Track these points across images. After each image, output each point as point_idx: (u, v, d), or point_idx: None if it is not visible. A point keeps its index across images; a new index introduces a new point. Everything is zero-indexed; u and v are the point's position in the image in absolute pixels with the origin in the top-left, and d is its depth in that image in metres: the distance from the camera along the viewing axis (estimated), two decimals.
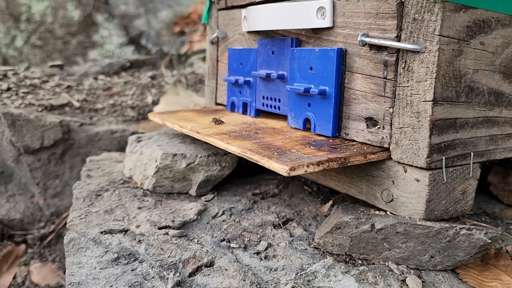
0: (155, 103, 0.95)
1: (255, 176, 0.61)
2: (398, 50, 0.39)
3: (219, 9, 0.66)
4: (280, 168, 0.36)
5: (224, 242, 0.45)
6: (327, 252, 0.42)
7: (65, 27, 2.36)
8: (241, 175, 0.61)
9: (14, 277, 0.77)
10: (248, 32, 0.59)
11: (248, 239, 0.45)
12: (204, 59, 1.25)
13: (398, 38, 0.38)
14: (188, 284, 0.39)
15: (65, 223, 0.83)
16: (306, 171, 0.37)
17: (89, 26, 2.41)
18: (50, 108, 0.87)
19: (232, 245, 0.45)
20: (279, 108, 0.54)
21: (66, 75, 1.07)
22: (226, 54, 0.65)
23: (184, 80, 1.10)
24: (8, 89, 0.90)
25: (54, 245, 0.83)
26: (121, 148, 0.84)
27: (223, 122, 0.54)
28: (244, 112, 0.60)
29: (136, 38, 2.43)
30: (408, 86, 0.38)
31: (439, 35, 0.35)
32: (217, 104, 0.70)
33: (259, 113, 0.59)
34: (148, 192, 0.56)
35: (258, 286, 0.38)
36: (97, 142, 0.85)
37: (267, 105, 0.56)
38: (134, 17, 2.56)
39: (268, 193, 0.56)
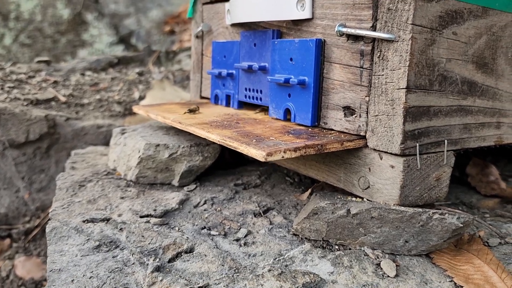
0: (141, 98, 0.96)
1: (238, 168, 0.62)
2: (373, 40, 0.40)
3: (203, 3, 0.67)
4: (257, 153, 0.37)
5: (205, 230, 0.46)
6: (305, 238, 0.43)
7: (55, 26, 2.33)
8: (224, 167, 0.62)
9: None
10: (232, 25, 0.60)
11: (229, 227, 0.46)
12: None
13: (373, 28, 0.39)
14: (167, 269, 0.39)
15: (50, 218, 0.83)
16: (283, 157, 0.37)
17: (78, 25, 2.38)
18: (36, 103, 0.86)
19: (212, 232, 0.45)
20: (261, 99, 0.54)
21: (53, 70, 1.07)
22: (210, 48, 0.65)
23: (172, 76, 1.10)
24: None
25: (39, 239, 0.83)
26: (107, 142, 0.84)
27: (198, 112, 0.55)
28: (228, 104, 0.61)
29: (126, 37, 2.41)
30: (383, 75, 0.39)
31: (412, 24, 0.36)
32: (202, 97, 0.70)
33: (242, 105, 0.59)
34: (131, 183, 0.56)
35: (236, 270, 0.39)
36: (83, 136, 0.85)
37: (249, 97, 0.56)
38: (124, 16, 2.53)
39: (250, 183, 0.56)
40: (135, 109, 0.63)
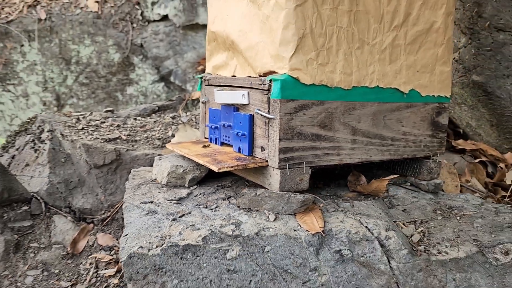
0: (173, 135, 1.48)
1: (221, 178, 1.12)
2: (269, 118, 0.89)
3: (205, 85, 1.19)
4: (215, 168, 0.87)
5: (197, 206, 0.96)
6: (241, 208, 0.92)
7: (107, 68, 2.80)
8: (213, 177, 1.12)
9: (87, 242, 1.30)
10: (217, 102, 1.11)
11: (209, 204, 0.96)
12: None
13: (268, 113, 0.89)
14: (178, 220, 0.89)
15: (117, 211, 1.36)
16: (226, 170, 0.87)
17: (126, 66, 2.82)
18: (108, 140, 1.41)
19: (201, 207, 0.95)
20: (230, 141, 1.05)
21: (116, 117, 1.63)
22: (208, 111, 1.16)
23: (194, 119, 1.63)
24: (82, 128, 1.46)
25: (110, 224, 1.35)
26: (151, 164, 1.36)
27: (209, 147, 1.05)
28: (216, 143, 1.11)
29: (166, 76, 2.85)
30: (271, 133, 0.88)
31: (280, 112, 0.86)
32: (205, 138, 1.21)
33: (222, 144, 1.10)
34: (163, 185, 1.07)
35: (207, 221, 0.88)
36: (137, 161, 1.38)
37: (225, 139, 1.07)
38: (164, 58, 2.92)
39: (225, 185, 1.06)
40: (167, 145, 1.15)
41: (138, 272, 0.78)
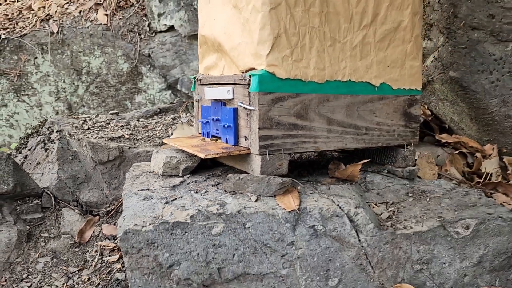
0: (172, 133, 1.59)
1: (213, 168, 1.22)
2: (249, 110, 0.99)
3: (198, 84, 1.29)
4: (202, 155, 0.97)
5: (189, 191, 1.05)
6: (227, 191, 1.01)
7: (116, 77, 2.90)
8: (206, 168, 1.22)
9: (93, 232, 1.40)
10: (207, 98, 1.21)
11: (199, 190, 1.06)
12: None
13: (249, 104, 0.99)
14: (170, 204, 0.99)
15: (121, 204, 1.46)
16: (212, 157, 0.97)
17: (135, 75, 2.90)
18: (112, 139, 1.52)
19: (192, 192, 1.05)
20: (219, 133, 1.15)
21: (120, 119, 1.74)
22: (201, 108, 1.27)
23: (193, 119, 1.73)
24: (88, 128, 1.58)
25: (114, 216, 1.46)
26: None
27: (204, 139, 1.16)
28: (207, 136, 1.22)
29: (172, 84, 2.94)
30: (252, 123, 0.98)
31: (258, 103, 0.96)
32: (199, 133, 1.32)
33: (212, 137, 1.20)
34: (159, 175, 1.17)
35: (196, 202, 0.98)
36: (139, 157, 1.49)
37: (215, 132, 1.17)
38: (171, 67, 3.01)
39: (216, 174, 1.16)
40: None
41: (133, 247, 0.88)
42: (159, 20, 2.92)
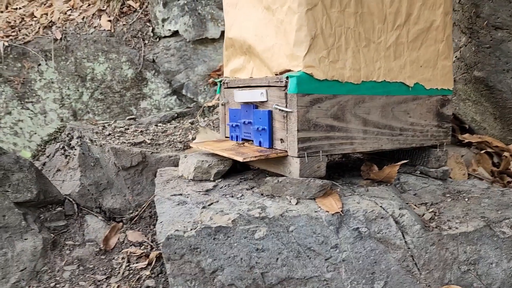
0: (193, 139, 1.57)
1: (244, 172, 1.20)
2: (287, 111, 0.98)
3: (224, 88, 1.28)
4: (239, 158, 0.96)
5: (224, 195, 1.04)
6: (265, 195, 1.00)
7: (121, 83, 2.87)
8: (236, 172, 1.20)
9: (118, 239, 1.38)
10: (237, 101, 1.20)
11: (234, 194, 1.04)
12: None
13: (286, 106, 0.98)
14: (207, 208, 0.98)
15: (144, 210, 1.45)
16: (250, 160, 0.96)
17: (140, 81, 2.88)
18: (134, 144, 1.51)
19: (227, 196, 1.03)
20: (250, 136, 1.13)
21: (138, 124, 1.73)
22: (228, 111, 1.26)
23: (212, 123, 1.72)
24: (109, 134, 1.56)
25: (138, 222, 1.44)
26: (175, 165, 1.45)
27: (239, 144, 1.14)
28: (237, 140, 1.20)
29: (177, 89, 2.92)
30: (290, 125, 0.97)
31: (297, 105, 0.95)
32: (226, 137, 1.30)
33: (243, 140, 1.18)
34: (190, 180, 1.16)
35: (235, 206, 0.96)
36: (161, 163, 1.48)
37: (246, 136, 1.16)
38: (176, 72, 2.99)
39: (248, 178, 1.14)
40: (192, 144, 1.24)
41: (175, 253, 0.86)
42: (163, 25, 2.91)
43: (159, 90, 2.86)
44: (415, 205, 0.98)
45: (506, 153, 1.33)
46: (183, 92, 2.89)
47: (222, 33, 2.92)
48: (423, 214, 0.95)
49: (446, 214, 0.95)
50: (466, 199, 1.03)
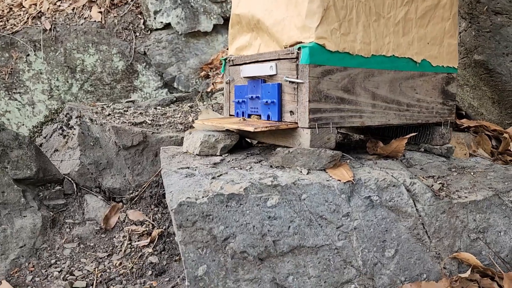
0: (193, 121, 1.56)
1: (250, 148, 1.20)
2: (297, 83, 0.98)
3: (229, 65, 1.28)
4: (250, 128, 0.95)
5: (232, 168, 1.03)
6: (275, 166, 1.00)
7: (111, 75, 2.84)
8: (242, 148, 1.20)
9: (118, 218, 1.36)
10: (243, 77, 1.19)
11: (243, 166, 1.04)
12: (223, 95, 1.86)
13: (297, 78, 0.98)
14: (216, 179, 0.97)
15: (144, 190, 1.43)
16: (261, 130, 0.96)
17: (130, 73, 2.85)
18: (135, 124, 1.49)
19: (236, 169, 1.03)
20: (257, 111, 1.13)
21: (137, 106, 1.71)
22: (233, 89, 1.25)
23: (211, 107, 1.71)
24: (109, 114, 1.54)
25: (138, 202, 1.42)
26: (177, 144, 1.44)
27: (246, 119, 1.14)
28: (243, 116, 1.20)
29: (169, 82, 2.90)
30: (300, 96, 0.97)
31: (309, 76, 0.95)
32: (230, 115, 1.30)
33: (249, 116, 1.18)
34: (196, 155, 1.15)
35: (245, 176, 0.96)
36: (162, 143, 1.46)
37: (253, 111, 1.15)
38: (168, 65, 2.97)
39: (255, 153, 1.14)
40: (197, 121, 1.23)
41: (187, 219, 0.85)
42: (155, 18, 2.88)
43: (150, 83, 2.83)
44: (423, 177, 0.99)
45: (505, 134, 1.35)
46: (175, 85, 2.86)
47: (215, 26, 2.90)
48: (432, 185, 0.95)
49: (454, 185, 0.97)
50: (472, 173, 1.04)
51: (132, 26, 3.03)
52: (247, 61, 1.17)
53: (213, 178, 0.96)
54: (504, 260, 0.88)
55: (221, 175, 0.98)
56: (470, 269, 0.85)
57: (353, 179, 0.90)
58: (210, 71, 2.92)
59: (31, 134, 1.67)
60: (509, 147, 1.32)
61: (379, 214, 0.89)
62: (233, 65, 1.25)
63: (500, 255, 0.89)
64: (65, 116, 1.53)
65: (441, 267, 0.87)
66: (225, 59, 1.29)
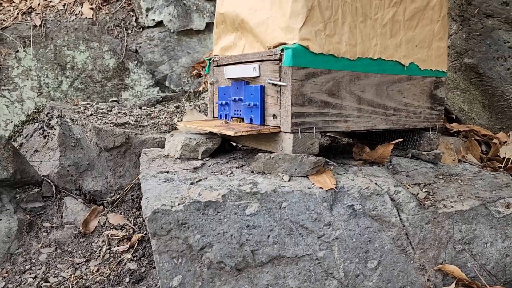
0: (179, 121, 1.52)
1: (232, 151, 1.16)
2: (280, 86, 0.94)
3: (214, 66, 1.24)
4: (231, 133, 0.92)
5: (212, 173, 1.00)
6: (256, 172, 0.96)
7: (102, 73, 2.80)
8: (225, 151, 1.16)
9: (98, 222, 1.32)
10: (227, 78, 1.16)
11: (223, 171, 1.00)
12: None
13: (280, 80, 0.94)
14: (195, 185, 0.94)
15: (126, 193, 1.39)
16: (241, 134, 0.92)
17: (122, 71, 2.81)
18: (117, 125, 1.45)
19: (216, 174, 0.99)
20: (240, 114, 1.10)
21: (122, 106, 1.67)
22: (217, 90, 1.21)
23: (198, 108, 1.67)
24: (91, 114, 1.49)
25: (120, 205, 1.38)
26: (160, 147, 1.40)
27: (228, 123, 1.10)
28: (226, 118, 1.16)
29: (160, 80, 2.86)
30: (283, 99, 0.94)
31: (291, 79, 0.91)
32: (214, 117, 1.26)
33: (231, 118, 1.14)
34: (177, 159, 1.11)
35: (224, 183, 0.92)
36: (145, 144, 1.42)
37: (236, 114, 1.12)
38: (159, 63, 2.93)
39: (237, 157, 1.10)
40: (179, 123, 1.20)
41: (162, 228, 0.82)
42: (147, 15, 2.84)
43: (141, 81, 2.79)
44: (409, 185, 0.96)
45: (495, 140, 1.33)
46: (166, 83, 2.82)
47: (207, 24, 2.87)
48: (417, 194, 0.92)
49: (440, 194, 0.94)
50: (459, 181, 1.02)
51: (123, 23, 2.99)
52: (231, 62, 1.13)
53: (192, 183, 0.93)
54: (490, 273, 0.85)
55: (200, 180, 0.95)
56: (455, 282, 0.83)
57: (335, 187, 0.87)
58: (202, 70, 2.89)
59: (11, 134, 1.62)
60: (498, 153, 1.30)
61: (362, 224, 0.86)
62: (218, 65, 1.21)
63: (486, 268, 0.86)
64: (46, 115, 1.49)
65: (425, 279, 0.84)
66: (209, 59, 1.25)
